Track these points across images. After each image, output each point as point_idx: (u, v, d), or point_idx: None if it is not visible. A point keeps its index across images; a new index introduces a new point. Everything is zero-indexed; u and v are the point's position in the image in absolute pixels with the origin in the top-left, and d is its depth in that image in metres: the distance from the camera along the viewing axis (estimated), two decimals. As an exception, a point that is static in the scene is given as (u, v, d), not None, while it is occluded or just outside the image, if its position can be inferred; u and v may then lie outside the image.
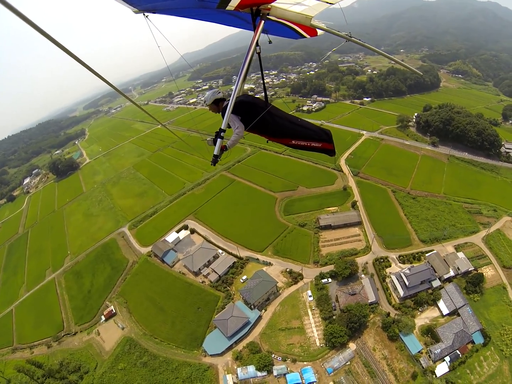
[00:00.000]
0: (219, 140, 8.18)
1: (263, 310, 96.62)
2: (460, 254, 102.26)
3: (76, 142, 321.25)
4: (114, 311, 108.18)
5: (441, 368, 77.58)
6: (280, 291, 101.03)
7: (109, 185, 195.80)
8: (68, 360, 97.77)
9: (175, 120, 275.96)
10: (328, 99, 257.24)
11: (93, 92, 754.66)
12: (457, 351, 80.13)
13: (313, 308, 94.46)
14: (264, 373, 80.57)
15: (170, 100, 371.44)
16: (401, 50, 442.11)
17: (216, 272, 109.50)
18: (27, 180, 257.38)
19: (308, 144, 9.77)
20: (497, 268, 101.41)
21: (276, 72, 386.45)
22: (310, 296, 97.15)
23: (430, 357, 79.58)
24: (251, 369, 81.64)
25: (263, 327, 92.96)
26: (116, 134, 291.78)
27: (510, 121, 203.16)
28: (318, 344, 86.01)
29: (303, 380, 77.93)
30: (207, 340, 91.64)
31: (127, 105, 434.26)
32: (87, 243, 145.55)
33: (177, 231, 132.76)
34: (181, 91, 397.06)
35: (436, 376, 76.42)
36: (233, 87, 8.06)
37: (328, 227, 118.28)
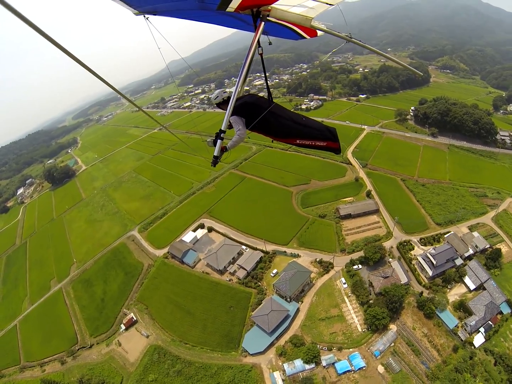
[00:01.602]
0: (219, 141, 8.19)
1: (299, 302, 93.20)
2: (475, 234, 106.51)
3: (69, 151, 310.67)
4: (134, 318, 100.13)
5: (478, 339, 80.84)
6: (313, 282, 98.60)
7: (111, 190, 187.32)
8: (88, 376, 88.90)
9: (172, 124, 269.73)
10: (324, 97, 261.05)
11: (81, 102, 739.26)
12: (489, 322, 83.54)
13: (349, 295, 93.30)
14: (312, 365, 77.85)
15: (163, 105, 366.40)
16: (388, 49, 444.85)
17: (244, 268, 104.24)
18: (20, 190, 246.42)
19: (313, 143, 9.61)
20: (509, 245, 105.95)
21: (268, 74, 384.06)
22: (344, 284, 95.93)
23: (466, 330, 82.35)
24: (298, 363, 78.52)
25: (303, 319, 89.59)
26: (111, 140, 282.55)
27: (501, 111, 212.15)
28: (360, 329, 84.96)
29: (353, 367, 76.68)
30: (246, 339, 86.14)
31: (118, 112, 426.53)
32: (94, 249, 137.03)
33: (194, 230, 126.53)
34: (173, 96, 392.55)
35: (475, 347, 79.59)
36: (233, 88, 8.12)
37: (348, 216, 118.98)
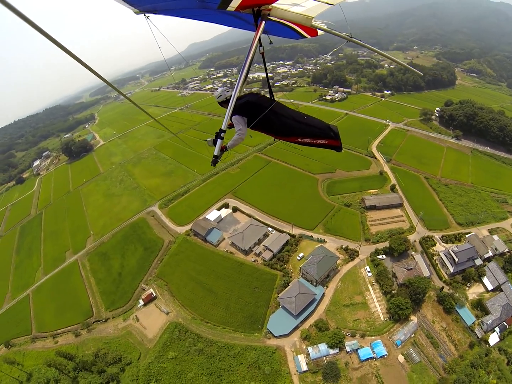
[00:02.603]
0: (219, 140, 8.01)
1: (325, 287, 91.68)
2: (495, 237, 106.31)
3: (87, 126, 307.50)
4: (154, 294, 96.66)
5: (493, 338, 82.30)
6: (338, 268, 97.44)
7: (129, 165, 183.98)
8: (104, 350, 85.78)
9: (193, 105, 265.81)
10: (349, 90, 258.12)
11: (98, 81, 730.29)
12: (504, 323, 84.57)
13: (373, 283, 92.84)
14: (336, 350, 77.27)
15: (184, 86, 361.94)
16: (415, 47, 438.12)
17: (270, 250, 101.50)
18: (36, 162, 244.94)
19: (314, 142, 9.41)
20: None
21: (291, 62, 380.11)
22: (369, 272, 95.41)
23: (482, 328, 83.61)
24: (322, 347, 77.71)
25: (327, 304, 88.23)
26: (130, 117, 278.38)
27: None
28: (382, 318, 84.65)
29: (375, 354, 76.58)
30: (271, 321, 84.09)
31: (137, 91, 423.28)
32: (112, 223, 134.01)
33: (218, 209, 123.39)
34: (194, 78, 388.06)
35: (490, 345, 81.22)
36: (233, 89, 8.12)
37: (373, 208, 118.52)
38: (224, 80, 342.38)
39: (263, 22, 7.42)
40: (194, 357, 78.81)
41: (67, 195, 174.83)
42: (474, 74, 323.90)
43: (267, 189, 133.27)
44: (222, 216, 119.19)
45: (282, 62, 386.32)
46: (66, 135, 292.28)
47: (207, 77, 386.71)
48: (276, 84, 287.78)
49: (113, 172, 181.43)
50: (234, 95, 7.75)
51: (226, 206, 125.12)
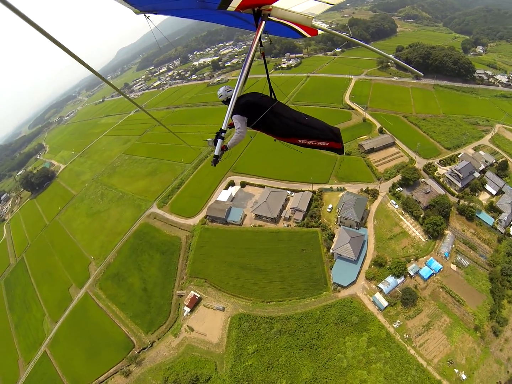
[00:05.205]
0: (219, 140, 7.91)
1: (365, 228, 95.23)
2: (481, 152, 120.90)
3: (38, 157, 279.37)
4: (198, 296, 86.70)
5: None
6: (367, 208, 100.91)
7: (104, 178, 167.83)
8: (172, 376, 74.29)
9: (148, 104, 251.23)
10: (301, 55, 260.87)
11: (31, 112, 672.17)
12: None
13: (402, 213, 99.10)
14: (402, 279, 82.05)
15: (130, 90, 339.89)
16: (347, 4, 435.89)
17: (300, 211, 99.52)
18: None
19: (315, 143, 9.48)
20: (508, 159, 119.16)
21: (232, 42, 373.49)
22: (395, 205, 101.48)
23: (501, 225, 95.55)
24: (390, 279, 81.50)
25: (374, 242, 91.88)
26: (83, 134, 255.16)
27: (471, 53, 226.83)
28: (423, 240, 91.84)
29: (433, 270, 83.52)
30: (335, 274, 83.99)
31: (80, 109, 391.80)
32: (110, 240, 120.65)
33: (225, 189, 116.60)
34: (137, 80, 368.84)
35: None
36: (234, 90, 7.96)
37: (372, 150, 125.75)
38: (170, 73, 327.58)
39: (264, 22, 7.27)
40: (276, 340, 73.56)
41: (45, 230, 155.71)
42: (411, 20, 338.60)
43: (265, 157, 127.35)
44: (233, 194, 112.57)
45: (222, 44, 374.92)
46: (19, 173, 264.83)
47: (150, 75, 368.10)
48: (226, 64, 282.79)
49: (88, 190, 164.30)
50: (235, 95, 7.57)
51: (232, 184, 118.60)
